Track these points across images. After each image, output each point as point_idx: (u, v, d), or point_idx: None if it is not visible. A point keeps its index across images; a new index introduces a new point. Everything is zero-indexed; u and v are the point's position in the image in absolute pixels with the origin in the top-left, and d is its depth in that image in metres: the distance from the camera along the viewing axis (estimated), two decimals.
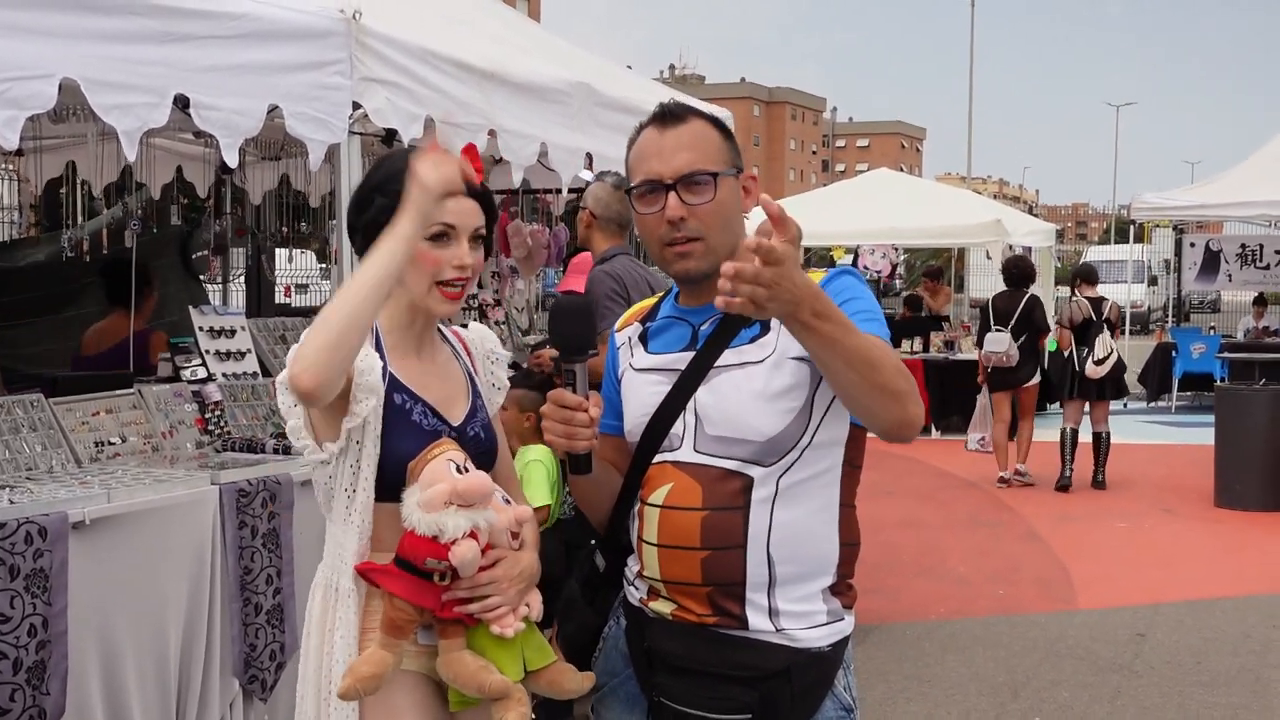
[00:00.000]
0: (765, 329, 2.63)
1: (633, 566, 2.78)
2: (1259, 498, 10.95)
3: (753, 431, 2.59)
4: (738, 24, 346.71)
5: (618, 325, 2.97)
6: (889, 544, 9.54)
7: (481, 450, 2.88)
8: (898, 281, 26.87)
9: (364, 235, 2.80)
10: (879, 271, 20.95)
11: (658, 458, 2.69)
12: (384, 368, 2.74)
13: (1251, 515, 10.78)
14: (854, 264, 22.54)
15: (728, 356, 2.64)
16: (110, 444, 5.08)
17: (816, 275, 2.68)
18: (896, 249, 20.66)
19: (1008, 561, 9.35)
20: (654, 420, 2.69)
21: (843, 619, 2.70)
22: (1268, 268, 18.80)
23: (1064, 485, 12.05)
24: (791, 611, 2.62)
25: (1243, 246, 19.57)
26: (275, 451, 5.20)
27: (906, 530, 10.10)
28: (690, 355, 2.68)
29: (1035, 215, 37.43)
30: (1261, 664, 6.96)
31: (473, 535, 2.63)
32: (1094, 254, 42.08)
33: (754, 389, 2.60)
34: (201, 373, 5.73)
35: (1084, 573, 8.97)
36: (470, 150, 2.85)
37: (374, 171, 2.89)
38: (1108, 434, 12.24)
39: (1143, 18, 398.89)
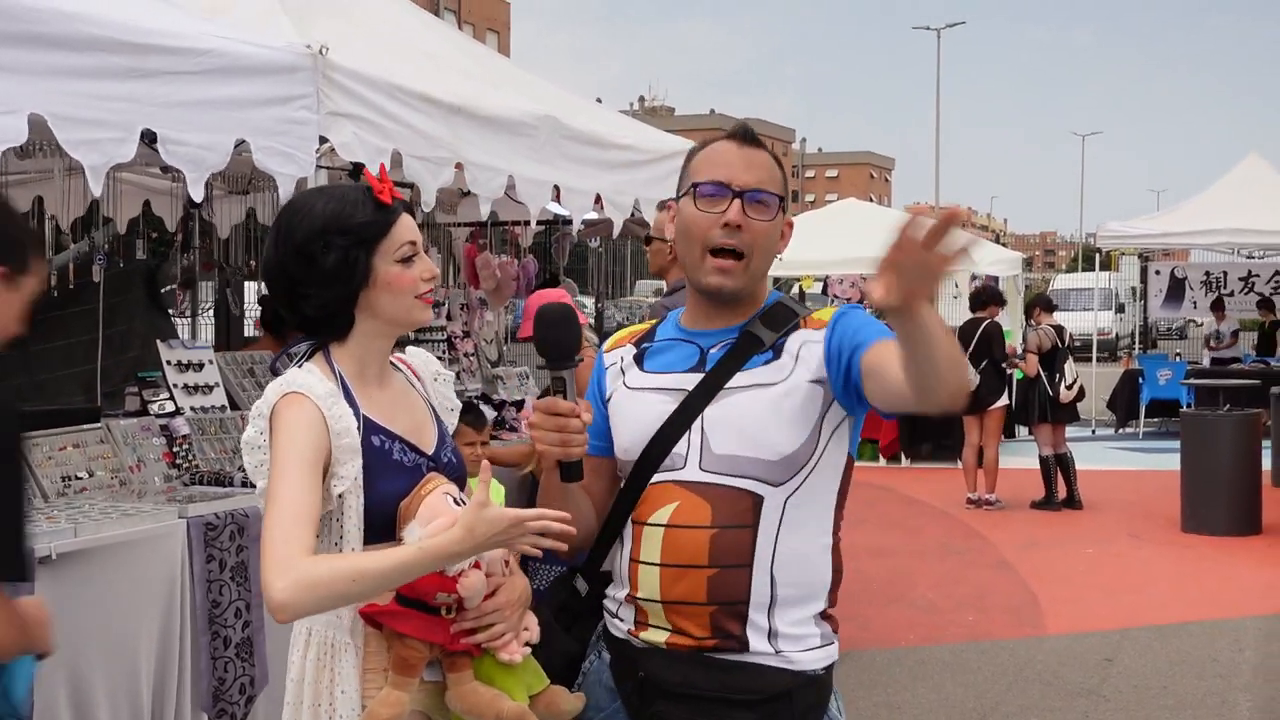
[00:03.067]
0: (778, 354, 2.69)
1: (617, 594, 2.78)
2: (1225, 522, 11.03)
3: (768, 449, 2.63)
4: (707, 57, 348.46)
5: (606, 346, 2.98)
6: (859, 572, 9.57)
7: (455, 476, 2.85)
8: (867, 310, 26.98)
9: (327, 282, 2.67)
10: (848, 300, 21.04)
11: (657, 477, 2.70)
12: (357, 415, 2.67)
13: (1218, 540, 10.86)
14: (823, 292, 22.64)
15: (740, 378, 2.67)
16: (77, 478, 5.07)
17: (827, 312, 2.78)
18: (865, 278, 20.75)
19: (977, 588, 9.39)
20: (657, 438, 2.70)
21: (832, 643, 2.75)
22: (1231, 294, 18.96)
23: (1055, 506, 12.46)
24: (789, 634, 2.66)
25: (1207, 274, 19.75)
26: (243, 485, 5.20)
27: (877, 558, 10.13)
28: (698, 376, 2.70)
29: (1003, 244, 37.71)
30: (1228, 687, 7.01)
31: (476, 565, 2.62)
32: (1061, 282, 42.35)
33: (770, 408, 2.64)
34: (169, 406, 5.72)
35: (1052, 598, 9.01)
36: (383, 170, 2.83)
37: (303, 218, 2.70)
38: (1070, 454, 12.64)
39: (1108, 50, 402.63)
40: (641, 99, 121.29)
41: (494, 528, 2.46)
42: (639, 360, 2.85)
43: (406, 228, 2.73)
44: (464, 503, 2.63)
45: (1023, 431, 15.94)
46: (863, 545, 10.44)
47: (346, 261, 2.67)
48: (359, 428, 2.66)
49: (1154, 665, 7.37)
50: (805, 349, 2.68)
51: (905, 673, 7.29)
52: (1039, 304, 13.26)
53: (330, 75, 4.96)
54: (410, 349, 3.10)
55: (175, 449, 5.47)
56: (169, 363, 5.92)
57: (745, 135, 2.79)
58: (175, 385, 5.86)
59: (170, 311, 9.03)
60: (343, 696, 2.66)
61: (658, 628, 2.69)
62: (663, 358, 2.81)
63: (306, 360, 2.75)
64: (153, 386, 5.79)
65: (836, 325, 2.69)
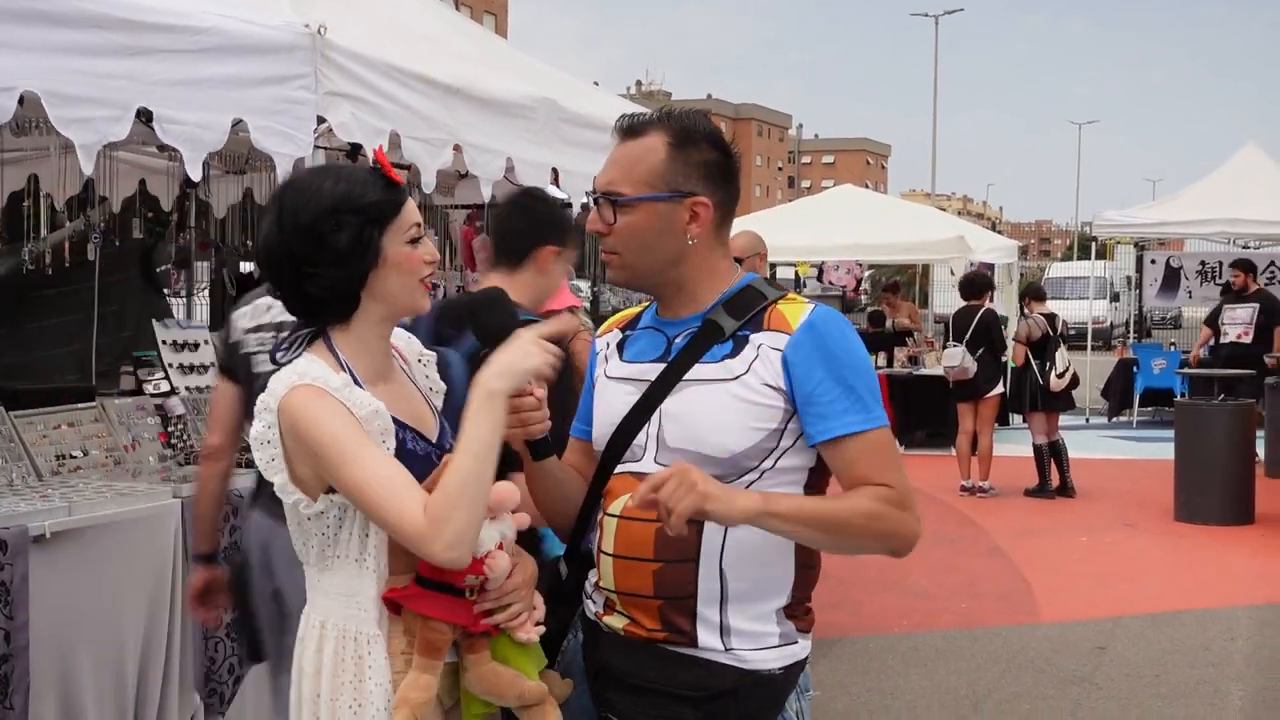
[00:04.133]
0: (738, 349, 2.62)
1: (592, 578, 2.77)
2: (1218, 512, 11.05)
3: (714, 447, 2.58)
4: (705, 41, 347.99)
5: (600, 331, 2.96)
6: (852, 558, 9.56)
7: None
8: (863, 297, 26.98)
9: (339, 261, 2.62)
10: (843, 286, 21.07)
11: (620, 468, 2.68)
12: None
13: (1211, 529, 10.87)
14: (819, 278, 22.65)
15: (697, 370, 2.62)
16: (72, 457, 5.07)
17: (797, 308, 2.67)
18: (861, 265, 20.77)
19: (970, 575, 9.40)
20: (619, 429, 2.69)
21: (796, 642, 2.68)
22: (1228, 284, 18.97)
23: (1049, 494, 12.56)
24: (743, 630, 2.61)
25: (1202, 263, 19.75)
26: (237, 465, 5.19)
27: None
28: (661, 367, 2.67)
29: (999, 232, 37.63)
30: (1220, 676, 7.02)
31: (500, 546, 2.60)
32: (1057, 270, 42.39)
33: (720, 404, 2.58)
34: (165, 386, 5.72)
35: (1045, 586, 9.02)
36: (379, 154, 2.78)
37: (310, 198, 2.65)
38: (1063, 441, 12.75)
39: (1105, 37, 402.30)
40: (639, 83, 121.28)
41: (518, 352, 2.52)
42: (620, 348, 2.84)
43: (413, 209, 2.70)
44: None
45: (1017, 419, 15.98)
46: None
47: (360, 240, 2.62)
48: (383, 407, 2.62)
49: (1146, 654, 7.38)
50: (765, 351, 2.60)
51: (898, 659, 7.30)
52: (1030, 293, 13.36)
53: (328, 55, 4.94)
54: (394, 330, 2.97)
55: (170, 429, 5.47)
56: (164, 342, 5.92)
57: (626, 128, 2.69)
58: (170, 365, 5.85)
59: (165, 291, 9.02)
60: (376, 689, 2.60)
61: (620, 613, 2.69)
62: (637, 346, 2.79)
63: (305, 347, 2.69)
64: (148, 366, 5.79)
65: (792, 357, 2.59)
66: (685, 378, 2.63)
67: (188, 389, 5.82)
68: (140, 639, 4.48)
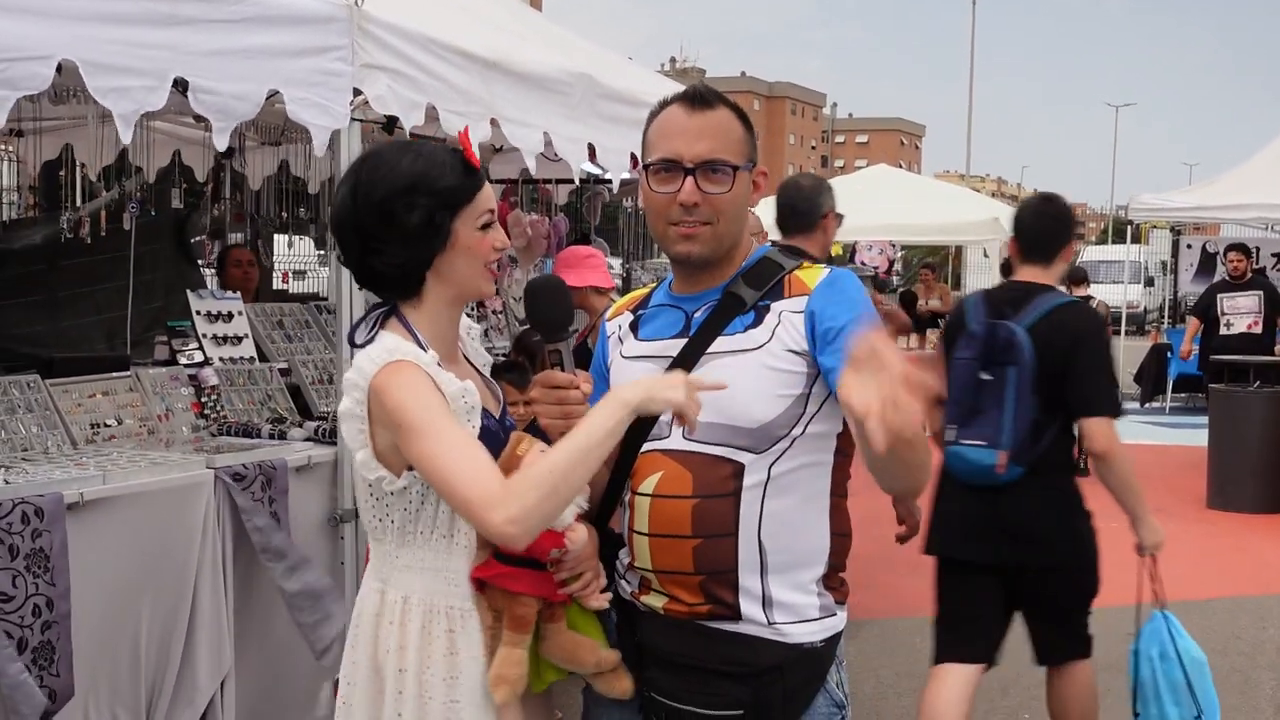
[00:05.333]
0: (759, 319, 2.63)
1: (624, 559, 2.78)
2: (1252, 500, 10.98)
3: (744, 418, 2.59)
4: (739, 18, 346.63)
5: (608, 315, 2.97)
6: (883, 539, 9.50)
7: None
8: (895, 278, 26.91)
9: (407, 241, 2.64)
10: (875, 267, 20.99)
11: (646, 446, 2.69)
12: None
13: (1244, 517, 10.80)
14: (851, 259, 22.55)
15: (720, 343, 2.63)
16: (106, 426, 5.09)
17: (814, 271, 2.70)
18: (894, 245, 20.70)
19: None
20: None
21: (835, 614, 2.70)
22: (1263, 270, 18.79)
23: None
24: (784, 603, 2.62)
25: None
26: (270, 437, 5.21)
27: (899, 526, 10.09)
28: (683, 342, 2.68)
29: None
30: (1251, 665, 6.98)
31: (580, 518, 2.65)
32: (1091, 254, 42.10)
33: (747, 375, 2.59)
34: (198, 356, 5.73)
35: None
36: (465, 136, 2.79)
37: (388, 172, 2.65)
38: None
39: (1143, 19, 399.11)
40: (673, 59, 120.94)
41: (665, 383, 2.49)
42: (634, 328, 2.84)
43: (489, 195, 2.72)
44: None
45: None
46: (887, 513, 10.38)
47: (431, 223, 2.64)
48: (472, 386, 2.67)
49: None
50: (787, 318, 2.63)
51: (926, 641, 7.22)
52: (1071, 277, 13.24)
53: (365, 27, 4.92)
54: None
55: (203, 399, 5.48)
56: (199, 313, 5.93)
57: (695, 97, 2.68)
58: (204, 335, 5.87)
59: (200, 262, 9.04)
60: (470, 662, 2.63)
61: (658, 592, 2.69)
62: (653, 325, 2.79)
63: (380, 326, 2.72)
64: (182, 336, 5.80)
65: (815, 305, 2.62)
66: (709, 351, 2.64)
67: (221, 360, 5.83)
68: (170, 607, 4.50)
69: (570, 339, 2.65)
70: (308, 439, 5.22)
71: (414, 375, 2.56)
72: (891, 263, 22.15)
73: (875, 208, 17.42)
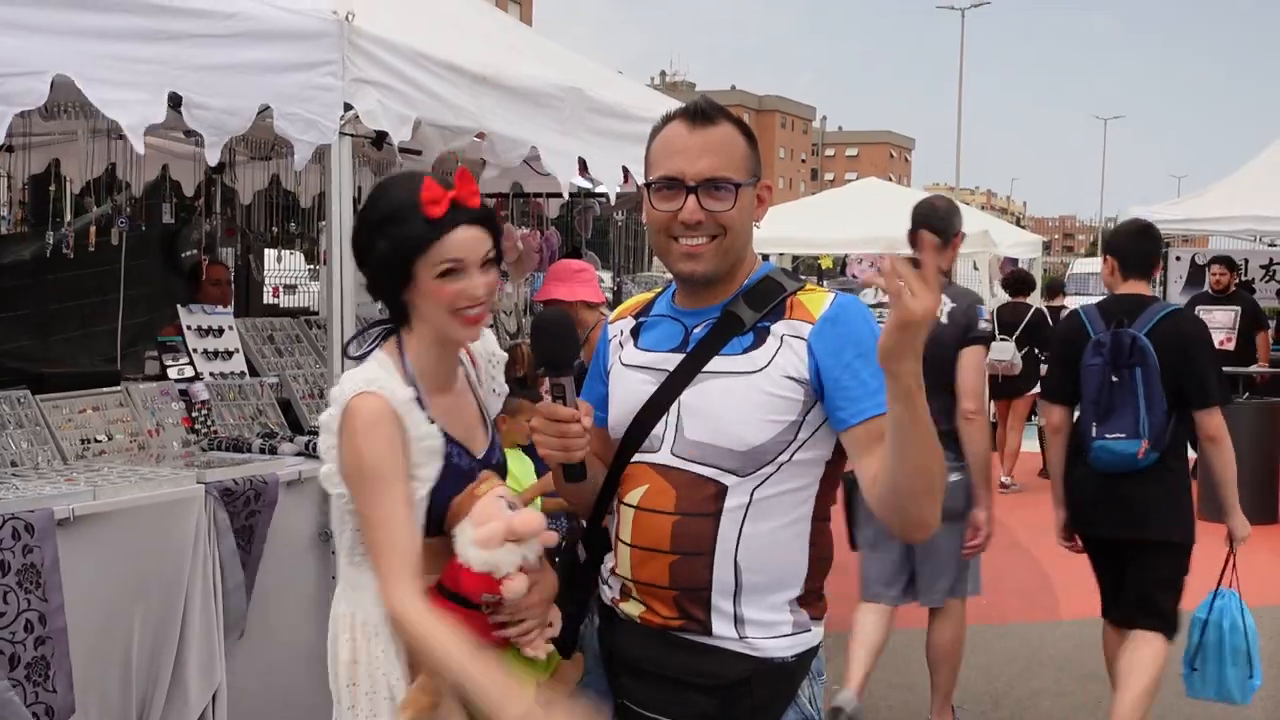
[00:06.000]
0: (760, 341, 2.61)
1: (608, 563, 2.80)
2: (1247, 512, 10.97)
3: (734, 440, 2.58)
4: (729, 32, 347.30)
5: (611, 317, 2.97)
6: None
7: (501, 474, 2.91)
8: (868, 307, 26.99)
9: (375, 269, 2.80)
10: (866, 280, 20.97)
11: (636, 457, 2.70)
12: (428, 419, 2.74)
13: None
14: (842, 272, 22.58)
15: (717, 362, 2.62)
16: (96, 441, 5.08)
17: (818, 296, 2.67)
18: (884, 257, 20.70)
19: (991, 571, 9.28)
20: (637, 419, 2.70)
21: (809, 630, 2.69)
22: (1252, 282, 18.84)
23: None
24: (756, 620, 2.62)
25: (1270, 260, 19.59)
26: (261, 451, 5.20)
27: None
28: (679, 357, 2.67)
29: (1023, 227, 37.59)
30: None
31: (522, 570, 2.65)
32: (1080, 266, 42.20)
33: (742, 397, 2.59)
34: (189, 371, 5.72)
35: (1066, 583, 8.99)
36: (463, 174, 2.79)
37: (373, 204, 2.81)
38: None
39: (1131, 32, 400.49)
40: (663, 73, 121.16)
41: None
42: (635, 334, 2.84)
43: (455, 244, 2.72)
44: (514, 506, 2.67)
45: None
46: None
47: (389, 259, 2.73)
48: (438, 430, 2.72)
49: (1172, 651, 7.33)
50: (787, 342, 2.61)
51: (918, 654, 7.25)
52: (1049, 289, 13.65)
53: (356, 42, 4.93)
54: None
55: (194, 414, 5.47)
56: (189, 327, 5.92)
57: (697, 113, 2.65)
58: (195, 350, 5.86)
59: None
60: (382, 679, 2.71)
61: (635, 600, 2.70)
62: (653, 335, 2.79)
63: (380, 344, 2.82)
64: (172, 351, 5.79)
65: (822, 340, 2.59)
66: (705, 369, 2.63)
67: (212, 374, 5.83)
68: (161, 622, 4.49)
69: (573, 374, 2.64)
70: (298, 453, 5.21)
71: (379, 416, 2.65)
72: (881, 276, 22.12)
73: (865, 221, 17.45)
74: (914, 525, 2.52)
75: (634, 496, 2.68)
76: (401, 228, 2.71)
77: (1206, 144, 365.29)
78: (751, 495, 2.59)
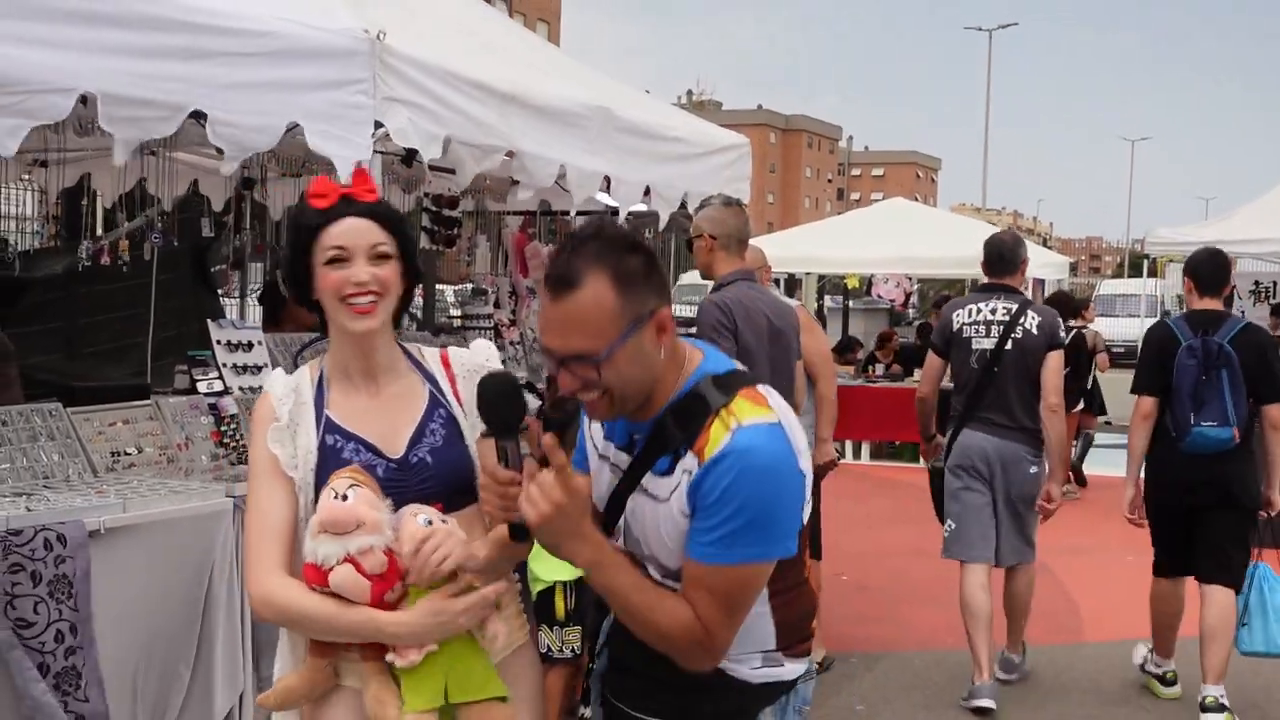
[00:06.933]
0: (671, 468, 2.61)
1: None
2: (1270, 535, 10.91)
3: (662, 557, 2.67)
4: (755, 52, 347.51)
5: None
6: (899, 572, 9.53)
7: (428, 478, 2.91)
8: (911, 310, 26.88)
9: (287, 276, 3.01)
10: (892, 300, 20.95)
11: (610, 539, 2.73)
12: (320, 414, 2.90)
13: (1262, 553, 10.74)
14: (868, 292, 22.52)
15: (647, 480, 2.67)
16: (126, 454, 5.12)
17: (723, 430, 2.55)
18: (910, 278, 20.63)
19: None
20: (607, 508, 2.77)
21: (781, 665, 2.75)
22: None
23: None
24: (732, 655, 2.69)
25: (1256, 283, 19.52)
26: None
27: (917, 558, 10.07)
28: (627, 458, 2.72)
29: (1049, 248, 37.44)
30: (1267, 700, 6.96)
31: (349, 561, 2.69)
32: (1107, 288, 42.07)
33: (656, 524, 2.65)
34: (218, 385, 5.76)
35: (1092, 606, 8.96)
36: (359, 173, 2.96)
37: (290, 217, 3.09)
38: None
39: (1159, 53, 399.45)
40: (690, 93, 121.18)
41: (438, 617, 2.74)
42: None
43: (339, 232, 2.85)
44: (345, 498, 2.71)
45: None
46: (904, 545, 10.39)
47: (292, 259, 2.92)
48: (318, 430, 2.87)
49: (1193, 675, 7.28)
50: (683, 478, 2.58)
51: (944, 675, 7.26)
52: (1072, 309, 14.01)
53: (387, 60, 4.97)
54: (476, 342, 3.23)
55: (223, 428, 5.51)
56: (219, 342, 5.96)
57: (557, 281, 2.53)
58: (224, 364, 5.89)
59: (220, 291, 9.11)
60: (278, 662, 3.01)
61: None
62: (610, 423, 2.80)
63: (318, 353, 3.03)
64: (202, 365, 5.83)
65: (698, 487, 2.55)
66: (640, 483, 2.68)
67: (241, 389, 5.86)
68: (188, 632, 4.52)
69: (519, 437, 2.65)
70: None
71: (259, 414, 2.92)
72: (908, 295, 22.05)
73: (891, 241, 17.43)
74: (667, 654, 2.63)
75: None
76: (298, 225, 2.91)
77: (1234, 166, 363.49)
78: None
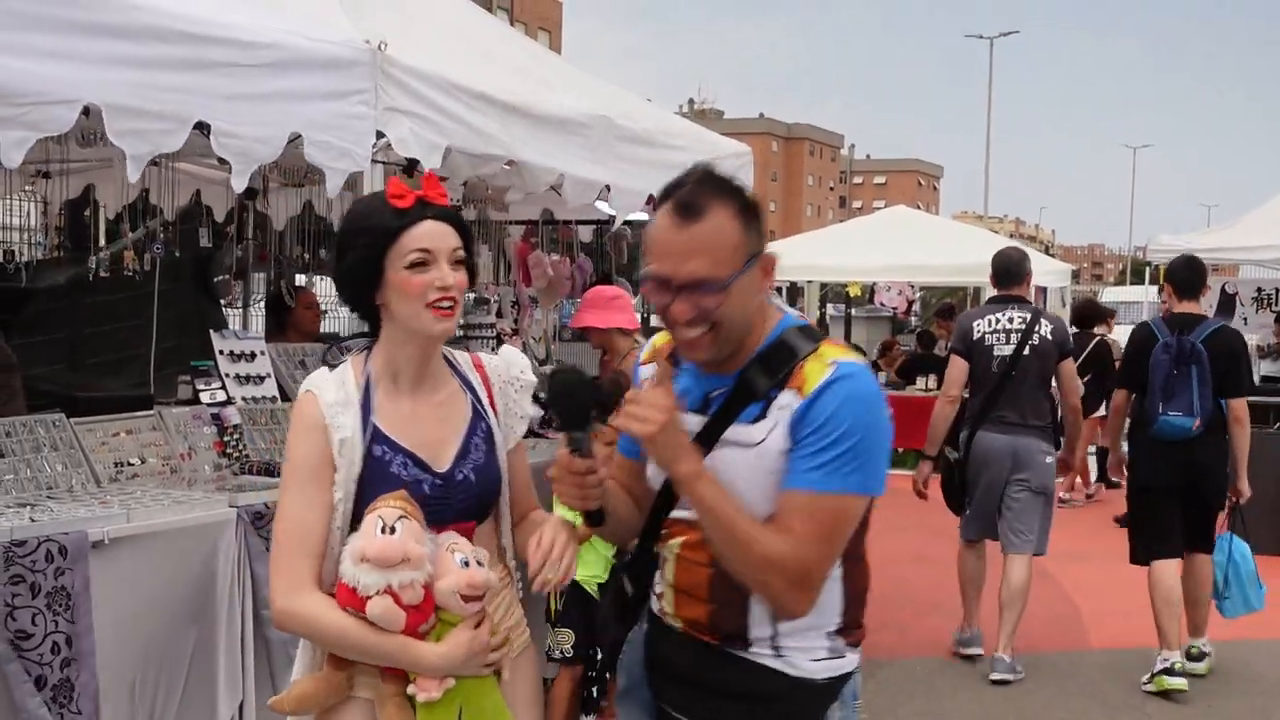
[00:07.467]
0: (764, 412, 2.63)
1: (658, 584, 2.86)
2: (1272, 540, 10.91)
3: (749, 508, 2.62)
4: (757, 60, 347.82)
5: (643, 358, 2.99)
6: (901, 579, 9.54)
7: (470, 495, 2.91)
8: (913, 318, 26.90)
9: (339, 283, 2.93)
10: (894, 308, 20.98)
11: (674, 512, 2.76)
12: (366, 423, 2.82)
13: (1264, 558, 10.68)
14: (870, 300, 22.56)
15: (732, 431, 2.66)
16: (130, 464, 5.13)
17: (821, 367, 2.63)
18: (912, 286, 20.65)
19: None
20: (669, 480, 2.73)
21: (844, 656, 2.75)
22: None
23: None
24: (793, 647, 2.69)
25: (1259, 290, 19.52)
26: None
27: (919, 566, 10.09)
28: (701, 419, 2.70)
29: (1051, 255, 37.51)
30: (1272, 705, 6.96)
31: (389, 593, 2.67)
32: (1110, 295, 42.11)
33: (748, 473, 2.63)
34: (221, 396, 5.77)
35: (1096, 612, 8.96)
36: (430, 178, 2.91)
37: (345, 222, 2.98)
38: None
39: (1161, 61, 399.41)
40: (691, 101, 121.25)
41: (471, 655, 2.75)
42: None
43: (422, 234, 2.81)
44: (394, 530, 2.69)
45: None
46: (907, 552, 10.39)
47: (359, 261, 2.82)
48: (364, 437, 2.79)
49: (1198, 682, 7.30)
50: (781, 416, 2.61)
51: (946, 682, 7.26)
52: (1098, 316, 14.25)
53: (388, 71, 4.99)
54: (505, 349, 3.20)
55: (226, 438, 5.52)
56: (221, 352, 5.97)
57: (684, 205, 2.58)
58: (227, 375, 5.90)
59: (222, 301, 9.11)
60: (297, 665, 2.95)
61: (677, 619, 2.79)
62: (678, 388, 2.78)
63: (353, 354, 2.93)
64: (205, 375, 5.84)
65: (801, 416, 2.59)
66: (722, 437, 2.67)
67: (244, 399, 5.87)
68: (190, 643, 4.52)
69: (590, 429, 2.68)
70: None
71: (304, 417, 2.82)
72: (910, 303, 22.08)
73: (893, 249, 17.42)
74: (759, 594, 2.63)
75: (675, 544, 2.77)
76: (368, 223, 2.83)
77: (1237, 173, 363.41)
78: None
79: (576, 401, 2.69)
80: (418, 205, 2.82)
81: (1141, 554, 7.50)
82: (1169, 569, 7.31)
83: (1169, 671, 7.09)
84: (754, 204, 2.66)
